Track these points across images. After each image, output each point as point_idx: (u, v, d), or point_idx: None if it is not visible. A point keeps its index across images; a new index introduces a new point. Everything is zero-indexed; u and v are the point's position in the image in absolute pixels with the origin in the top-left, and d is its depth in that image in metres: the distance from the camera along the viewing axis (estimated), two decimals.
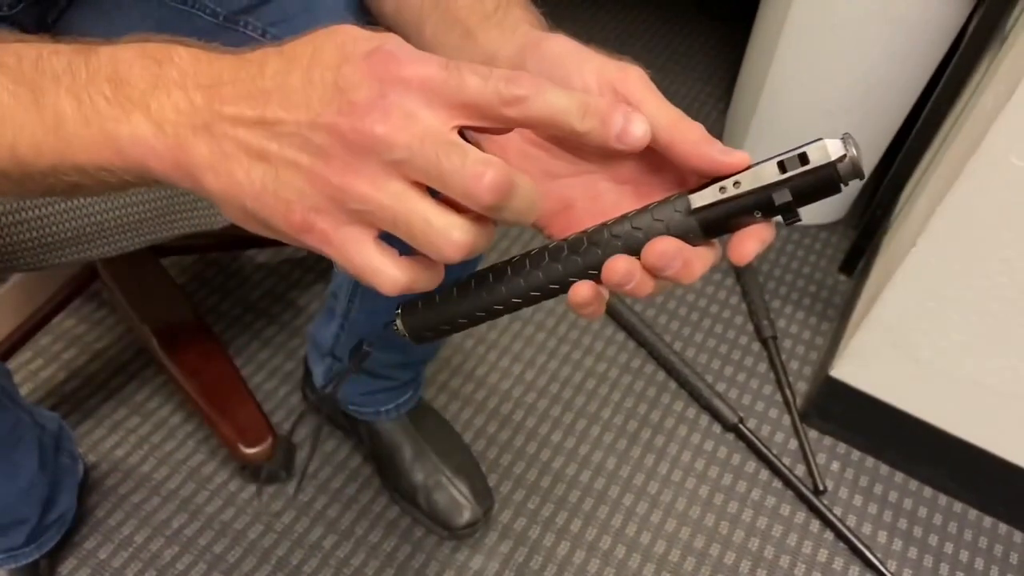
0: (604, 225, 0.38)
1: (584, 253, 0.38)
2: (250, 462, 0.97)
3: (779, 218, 0.36)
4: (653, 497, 1.05)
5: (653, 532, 1.01)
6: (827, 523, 1.04)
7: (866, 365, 1.06)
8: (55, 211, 0.60)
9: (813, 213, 1.44)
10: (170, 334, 1.02)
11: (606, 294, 0.38)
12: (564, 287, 0.39)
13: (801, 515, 1.05)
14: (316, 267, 1.25)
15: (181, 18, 0.62)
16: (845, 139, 0.34)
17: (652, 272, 0.36)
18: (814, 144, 0.34)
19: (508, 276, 0.40)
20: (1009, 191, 0.85)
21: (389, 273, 0.33)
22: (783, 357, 1.22)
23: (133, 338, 1.11)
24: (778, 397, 1.18)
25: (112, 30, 0.63)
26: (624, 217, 0.38)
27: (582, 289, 0.37)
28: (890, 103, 1.25)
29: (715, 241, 0.38)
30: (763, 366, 1.22)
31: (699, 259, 0.37)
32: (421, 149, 0.30)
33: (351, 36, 0.32)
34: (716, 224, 0.37)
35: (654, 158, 0.39)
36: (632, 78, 0.37)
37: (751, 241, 0.36)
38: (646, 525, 1.02)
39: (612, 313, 1.24)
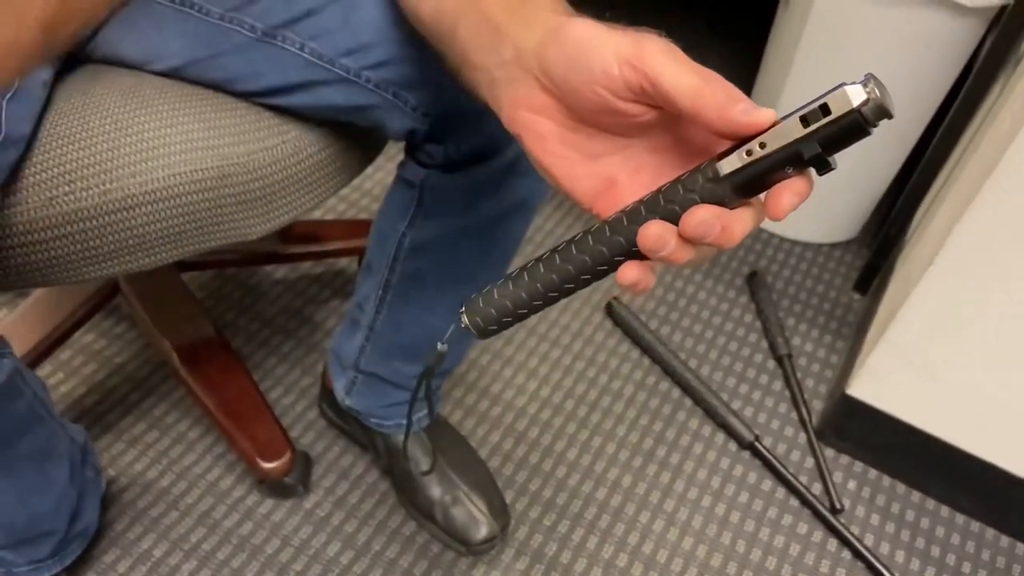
0: (640, 202, 0.39)
1: (624, 232, 0.39)
2: (268, 477, 0.97)
3: (812, 169, 0.36)
4: (669, 515, 1.04)
5: (670, 550, 1.01)
6: (844, 542, 1.03)
7: (882, 383, 1.06)
8: (98, 225, 0.60)
9: (827, 232, 1.44)
10: (190, 349, 1.02)
11: (655, 267, 0.39)
12: (612, 266, 0.40)
13: (818, 534, 1.05)
14: (332, 283, 1.26)
15: (219, 34, 0.63)
16: (866, 82, 0.33)
17: (692, 241, 0.37)
18: (835, 92, 0.34)
19: (557, 263, 0.42)
20: None
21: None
22: (798, 375, 1.22)
23: (152, 353, 1.12)
24: (793, 415, 1.18)
25: (149, 46, 0.64)
26: (657, 192, 0.39)
27: (629, 272, 0.39)
28: (905, 122, 1.26)
29: (756, 199, 0.38)
30: (778, 384, 1.22)
31: (739, 221, 0.37)
32: None
33: None
34: (748, 186, 0.37)
35: (684, 124, 0.40)
36: (648, 52, 0.37)
37: (786, 196, 0.36)
38: (663, 543, 1.02)
39: (627, 330, 1.24)
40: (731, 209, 0.37)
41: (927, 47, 1.15)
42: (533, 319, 1.25)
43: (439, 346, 0.50)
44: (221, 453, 1.03)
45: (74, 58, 0.69)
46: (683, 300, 1.32)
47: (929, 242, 1.03)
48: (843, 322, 1.32)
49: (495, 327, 0.44)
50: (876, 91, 0.33)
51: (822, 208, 1.40)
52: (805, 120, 0.34)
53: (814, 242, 1.45)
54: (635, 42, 0.38)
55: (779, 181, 0.36)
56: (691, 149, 0.41)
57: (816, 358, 1.26)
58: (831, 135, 0.34)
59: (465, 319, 0.45)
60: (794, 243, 1.44)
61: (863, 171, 1.34)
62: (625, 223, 0.39)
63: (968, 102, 1.12)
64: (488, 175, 0.72)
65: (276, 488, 0.99)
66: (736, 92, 0.36)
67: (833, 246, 1.46)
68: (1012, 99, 0.95)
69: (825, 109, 0.34)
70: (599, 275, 0.41)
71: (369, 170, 1.42)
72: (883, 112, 0.33)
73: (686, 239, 0.37)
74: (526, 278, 0.43)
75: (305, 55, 0.63)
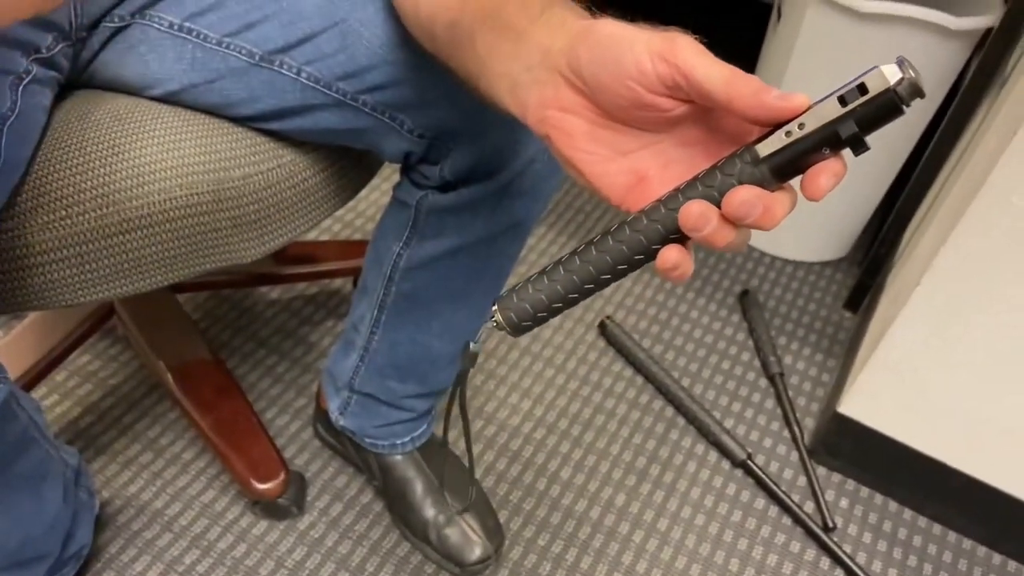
0: (677, 190, 0.40)
1: (662, 219, 0.40)
2: (262, 498, 0.97)
3: (848, 150, 0.37)
4: (663, 534, 1.05)
5: (663, 570, 1.01)
6: (837, 560, 1.04)
7: (873, 401, 1.07)
8: (94, 248, 0.61)
9: (817, 250, 1.45)
10: (184, 370, 1.03)
11: (691, 253, 0.40)
12: (649, 255, 0.41)
13: (811, 552, 1.05)
14: (327, 304, 1.26)
15: (216, 58, 0.64)
16: (900, 62, 0.35)
17: (734, 221, 0.38)
18: (871, 72, 0.35)
19: (594, 255, 0.42)
20: (1012, 232, 0.86)
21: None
22: (790, 393, 1.23)
23: (147, 374, 1.12)
24: (786, 433, 1.18)
25: (147, 71, 0.65)
26: (695, 179, 0.39)
27: (670, 254, 0.40)
28: (893, 142, 1.28)
29: (789, 185, 0.39)
30: (770, 402, 1.22)
31: (779, 203, 0.38)
32: None
33: None
34: (786, 168, 0.38)
35: (715, 116, 0.41)
36: (680, 47, 0.38)
37: (824, 176, 0.37)
38: (656, 563, 1.02)
39: (620, 349, 1.25)
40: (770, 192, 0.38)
41: None
42: (526, 338, 1.25)
43: (471, 346, 0.49)
44: (215, 474, 1.03)
45: (73, 83, 0.69)
46: (676, 319, 1.32)
47: (917, 262, 1.04)
48: (834, 340, 1.33)
49: (529, 323, 0.44)
50: (910, 71, 0.35)
51: (813, 227, 1.41)
52: (843, 100, 0.36)
53: (805, 261, 1.46)
54: (666, 38, 0.39)
55: (815, 163, 0.37)
56: (719, 142, 0.42)
57: (808, 376, 1.27)
58: (868, 114, 0.35)
59: (498, 316, 0.45)
60: (785, 262, 1.46)
61: (853, 190, 1.35)
62: (663, 211, 0.40)
63: (954, 123, 1.13)
64: (483, 196, 0.72)
65: (270, 509, 0.99)
66: (764, 83, 0.38)
67: (824, 265, 1.47)
68: (997, 122, 0.96)
69: (862, 88, 0.35)
70: (636, 264, 0.42)
71: (364, 191, 1.43)
72: (917, 91, 0.35)
73: (728, 219, 0.38)
74: (561, 271, 0.43)
75: (302, 79, 0.64)
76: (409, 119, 0.66)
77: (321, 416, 1.04)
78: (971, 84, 1.10)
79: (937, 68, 1.18)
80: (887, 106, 0.35)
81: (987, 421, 1.00)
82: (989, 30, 1.09)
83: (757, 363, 1.27)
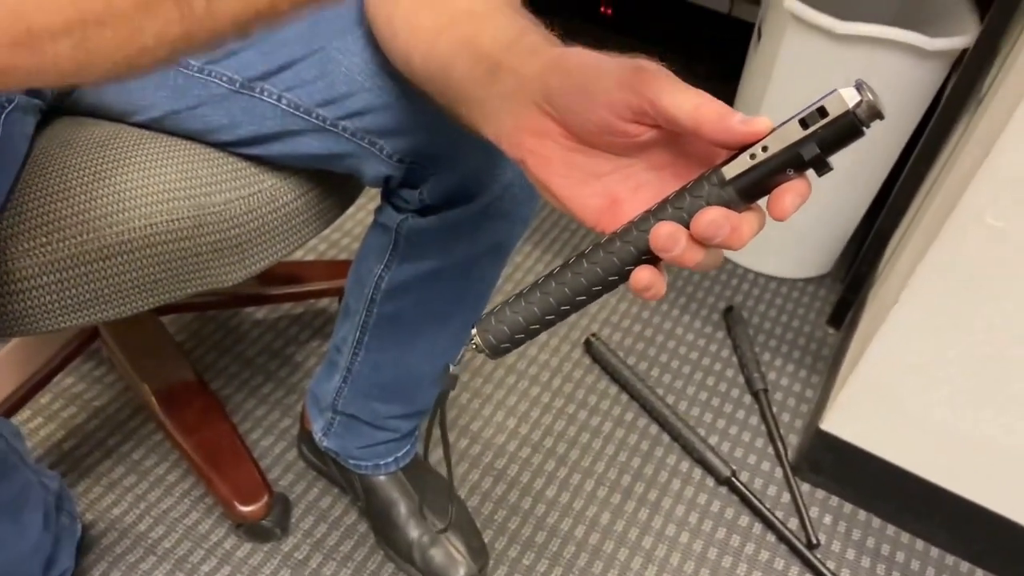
0: (648, 211, 0.41)
1: (634, 240, 0.41)
2: (246, 520, 0.97)
3: (812, 170, 0.38)
4: (648, 552, 1.05)
5: None
6: None
7: (855, 418, 1.08)
8: (75, 275, 0.61)
9: (801, 267, 1.46)
10: (169, 393, 1.03)
11: (663, 273, 0.41)
12: (623, 276, 0.42)
13: (795, 569, 1.05)
14: (313, 323, 1.26)
15: (197, 85, 0.65)
16: (859, 86, 0.36)
17: (703, 242, 0.39)
18: (830, 96, 0.36)
19: (569, 277, 0.43)
20: (986, 250, 0.87)
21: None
22: (774, 409, 1.23)
23: (132, 396, 1.12)
24: (770, 450, 1.19)
25: (130, 99, 0.66)
26: (665, 201, 0.41)
27: (642, 274, 0.41)
28: (873, 160, 1.29)
29: (758, 206, 0.40)
30: (755, 419, 1.23)
31: (747, 223, 0.39)
32: None
33: None
34: (753, 189, 0.39)
35: (683, 140, 0.42)
36: (648, 75, 0.40)
37: (789, 196, 0.38)
38: None
39: (605, 367, 1.25)
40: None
41: (892, 88, 1.18)
42: (511, 356, 1.26)
43: (451, 368, 0.49)
44: (199, 496, 1.03)
45: (56, 109, 0.70)
46: (660, 336, 1.33)
47: (896, 279, 1.05)
48: (818, 356, 1.34)
49: (508, 344, 0.45)
50: (868, 94, 0.36)
51: (796, 243, 1.43)
52: (804, 123, 0.37)
53: (788, 277, 1.47)
54: (634, 67, 0.40)
55: (780, 183, 0.38)
56: (688, 165, 0.43)
57: (792, 392, 1.27)
58: (828, 136, 0.36)
59: (477, 338, 0.45)
60: (769, 278, 1.47)
61: (835, 207, 1.37)
62: (634, 232, 0.41)
63: (932, 141, 1.15)
64: (463, 219, 0.73)
65: (254, 531, 0.99)
66: (729, 108, 0.39)
67: (807, 281, 1.48)
68: (973, 141, 0.98)
69: (823, 111, 0.36)
70: (610, 285, 0.43)
71: (351, 210, 1.43)
72: (875, 112, 0.36)
73: (697, 239, 0.39)
74: (538, 293, 0.44)
75: (282, 106, 0.65)
76: (388, 144, 0.67)
77: (305, 437, 1.04)
78: (948, 104, 1.11)
79: (914, 88, 1.19)
80: (847, 128, 0.36)
81: (966, 438, 1.01)
82: (965, 50, 1.11)
83: (741, 379, 1.28)
